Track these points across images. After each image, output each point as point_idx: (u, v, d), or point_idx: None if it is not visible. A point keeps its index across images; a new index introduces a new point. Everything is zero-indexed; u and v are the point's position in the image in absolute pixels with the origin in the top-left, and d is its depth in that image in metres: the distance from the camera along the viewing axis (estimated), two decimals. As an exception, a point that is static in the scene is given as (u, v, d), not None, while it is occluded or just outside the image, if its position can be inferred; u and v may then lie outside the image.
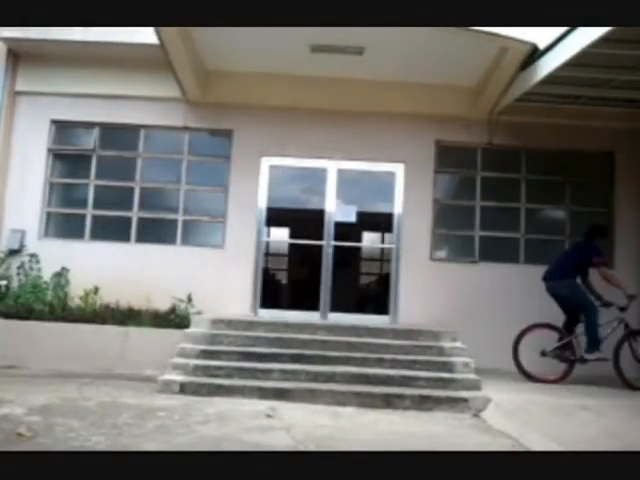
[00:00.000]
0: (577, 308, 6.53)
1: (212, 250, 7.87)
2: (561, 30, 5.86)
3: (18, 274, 7.57)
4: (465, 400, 5.27)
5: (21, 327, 6.72)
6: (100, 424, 4.07)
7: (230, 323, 6.36)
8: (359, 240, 10.68)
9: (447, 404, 5.26)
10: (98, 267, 7.60)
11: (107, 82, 7.86)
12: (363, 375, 5.62)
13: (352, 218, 7.94)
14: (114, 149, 8.16)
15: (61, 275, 7.55)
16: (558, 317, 7.21)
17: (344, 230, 8.13)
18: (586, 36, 5.46)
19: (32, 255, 7.65)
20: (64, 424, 4.00)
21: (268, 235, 8.69)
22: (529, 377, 6.48)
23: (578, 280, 6.63)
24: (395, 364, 5.88)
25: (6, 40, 7.66)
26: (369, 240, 11.24)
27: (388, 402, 5.26)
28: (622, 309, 6.48)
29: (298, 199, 8.73)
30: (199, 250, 7.89)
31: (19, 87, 8.02)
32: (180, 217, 8.01)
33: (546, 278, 6.72)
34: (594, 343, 6.32)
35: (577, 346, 6.50)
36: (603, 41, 5.33)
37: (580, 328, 6.56)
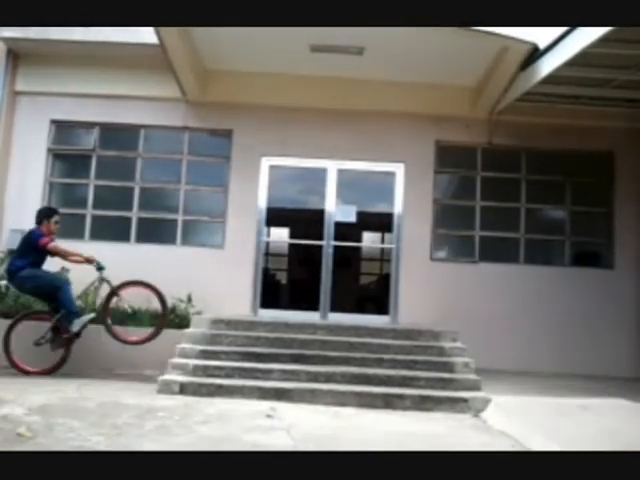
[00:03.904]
0: (49, 290, 6.13)
1: (212, 250, 7.88)
2: (561, 30, 5.86)
3: (18, 274, 7.55)
4: (465, 400, 5.27)
5: (21, 327, 6.69)
6: (100, 424, 4.06)
7: (230, 323, 6.36)
8: (359, 240, 10.67)
9: (447, 404, 5.26)
10: (98, 267, 7.59)
11: (107, 82, 7.87)
12: (363, 375, 5.62)
13: (352, 218, 7.94)
14: (114, 149, 8.16)
15: (61, 275, 7.52)
16: (554, 311, 7.25)
17: (344, 230, 8.13)
18: (586, 36, 5.47)
19: (32, 255, 7.64)
20: (64, 424, 4.00)
21: (268, 235, 8.69)
22: (23, 371, 6.12)
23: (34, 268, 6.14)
24: (395, 364, 5.88)
25: (6, 40, 7.67)
26: (369, 240, 11.24)
27: (388, 402, 5.26)
28: (100, 268, 6.24)
29: (298, 199, 8.74)
30: (199, 250, 7.89)
31: (19, 87, 8.03)
32: (180, 217, 8.01)
33: (8, 278, 6.22)
34: (73, 313, 6.08)
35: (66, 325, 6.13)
36: (603, 41, 5.33)
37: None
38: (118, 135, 8.21)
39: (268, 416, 4.62)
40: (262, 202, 7.97)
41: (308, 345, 6.04)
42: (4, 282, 7.40)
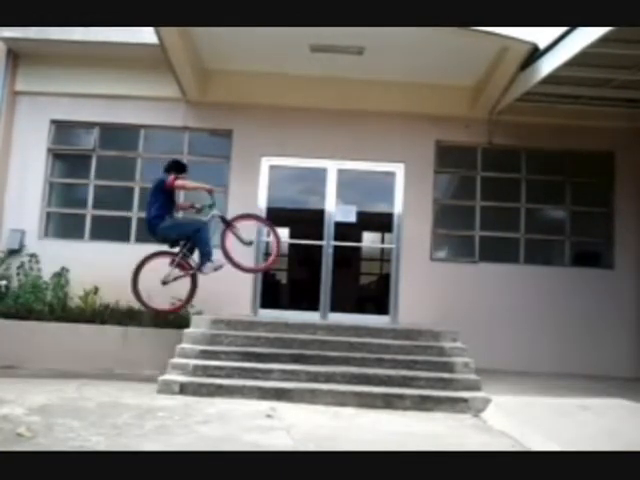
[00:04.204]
0: (191, 235, 6.18)
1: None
2: (561, 30, 5.86)
3: (18, 274, 7.57)
4: (465, 400, 5.27)
5: (21, 327, 6.72)
6: (100, 424, 4.07)
7: (230, 323, 6.36)
8: (359, 240, 10.67)
9: (447, 404, 5.26)
10: (98, 267, 7.59)
11: (107, 82, 7.87)
12: (363, 375, 5.62)
13: (352, 218, 7.94)
14: (114, 149, 8.16)
15: (61, 275, 7.55)
16: (554, 311, 7.24)
17: (344, 230, 8.13)
18: (586, 36, 5.47)
19: (32, 255, 7.65)
20: (64, 424, 4.00)
21: (268, 235, 8.67)
22: (150, 309, 6.30)
23: (169, 215, 6.18)
24: (395, 364, 5.88)
25: (6, 40, 7.67)
26: (369, 240, 11.24)
27: (388, 402, 5.26)
28: (211, 206, 6.21)
29: (298, 199, 8.73)
30: (199, 250, 7.87)
31: (19, 87, 8.02)
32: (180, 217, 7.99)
33: (149, 231, 6.19)
34: (207, 254, 6.10)
35: (191, 263, 6.22)
36: (603, 41, 5.33)
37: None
38: (118, 135, 8.20)
39: (268, 416, 4.62)
40: (262, 202, 7.97)
41: (308, 345, 6.04)
42: (4, 282, 7.43)
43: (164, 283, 6.15)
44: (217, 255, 6.14)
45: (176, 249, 6.24)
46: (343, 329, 6.37)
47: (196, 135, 8.17)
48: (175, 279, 6.16)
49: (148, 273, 6.12)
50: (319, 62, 7.32)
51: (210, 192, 6.15)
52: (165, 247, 6.27)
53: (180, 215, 6.53)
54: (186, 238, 6.22)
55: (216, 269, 6.12)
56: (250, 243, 6.29)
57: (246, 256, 6.63)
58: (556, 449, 3.66)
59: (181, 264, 6.19)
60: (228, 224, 6.22)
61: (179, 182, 6.11)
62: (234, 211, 7.83)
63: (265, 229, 7.11)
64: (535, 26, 5.70)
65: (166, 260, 6.20)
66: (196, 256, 6.19)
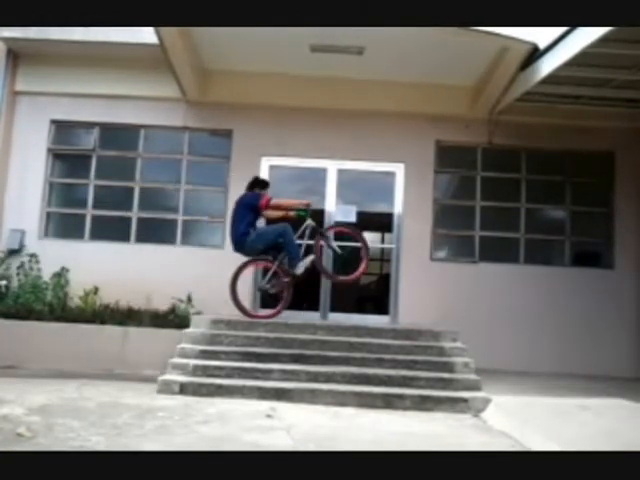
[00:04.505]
0: (275, 242, 6.41)
1: (212, 250, 7.88)
2: (561, 30, 5.86)
3: (18, 274, 7.57)
4: (465, 400, 5.27)
5: (21, 327, 6.72)
6: (100, 424, 4.06)
7: (230, 323, 6.36)
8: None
9: (447, 404, 5.26)
10: (98, 267, 7.61)
11: (107, 82, 7.87)
12: (363, 375, 5.62)
13: (352, 218, 7.93)
14: (114, 149, 8.17)
15: (61, 275, 7.55)
16: (554, 311, 7.24)
17: (344, 230, 8.10)
18: (586, 36, 5.47)
19: (32, 255, 7.66)
20: (64, 424, 4.00)
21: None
22: (248, 315, 6.45)
23: (253, 229, 6.45)
24: (395, 364, 5.87)
25: (6, 40, 7.67)
26: (369, 240, 11.20)
27: (388, 402, 5.26)
28: (304, 213, 6.49)
29: (298, 199, 8.69)
30: (199, 250, 7.89)
31: (19, 87, 8.03)
32: (180, 217, 8.01)
33: (236, 248, 6.52)
34: (295, 257, 6.34)
35: (285, 269, 6.45)
36: (603, 41, 5.34)
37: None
38: (118, 135, 8.21)
39: (268, 416, 4.62)
40: (262, 202, 7.96)
41: (308, 345, 6.04)
42: (4, 282, 7.43)
43: (260, 289, 6.50)
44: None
45: (265, 256, 6.51)
46: (343, 329, 6.37)
47: (196, 135, 8.17)
48: (272, 285, 6.51)
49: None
50: (319, 62, 7.32)
51: (307, 206, 6.49)
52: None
53: (261, 225, 6.66)
54: (272, 246, 6.46)
55: (307, 266, 6.37)
56: (341, 253, 6.54)
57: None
58: (556, 449, 3.66)
59: (277, 271, 6.48)
60: (321, 234, 6.49)
61: (274, 202, 6.39)
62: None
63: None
64: (535, 26, 5.71)
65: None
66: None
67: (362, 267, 6.49)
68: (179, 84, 7.49)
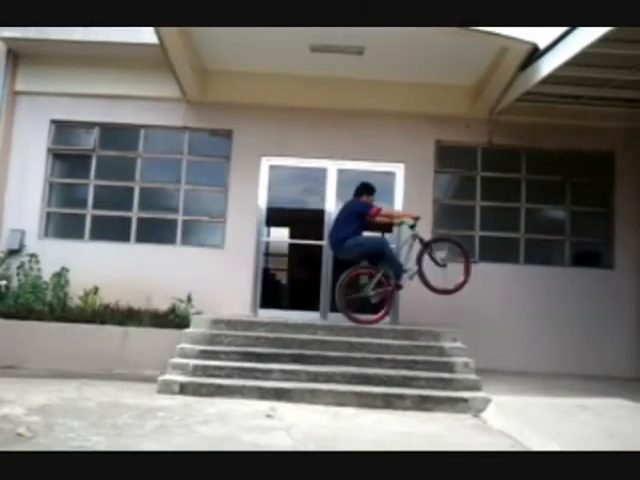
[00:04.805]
0: (374, 254, 6.63)
1: (212, 250, 7.88)
2: (561, 30, 5.86)
3: (18, 274, 7.57)
4: (465, 400, 5.27)
5: (21, 327, 6.72)
6: (100, 424, 4.07)
7: (230, 323, 6.36)
8: (359, 240, 10.65)
9: (447, 404, 5.26)
10: (98, 267, 7.60)
11: (107, 82, 7.87)
12: (363, 375, 5.62)
13: (352, 218, 7.92)
14: (114, 149, 8.16)
15: (61, 275, 7.55)
16: (554, 311, 7.23)
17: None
18: (586, 36, 5.47)
19: (32, 255, 7.65)
20: (64, 424, 4.00)
21: (268, 235, 8.68)
22: (356, 321, 6.56)
23: (353, 236, 6.62)
24: (395, 364, 5.88)
25: (6, 40, 7.67)
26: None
27: (388, 402, 5.26)
28: (412, 227, 6.69)
29: (298, 199, 8.72)
30: (199, 250, 7.89)
31: (19, 87, 8.03)
32: (180, 217, 8.01)
33: (333, 248, 6.82)
34: (398, 269, 6.59)
35: (389, 278, 6.61)
36: (603, 41, 5.33)
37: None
38: (118, 135, 8.20)
39: (268, 416, 4.62)
40: (262, 202, 7.97)
41: (308, 345, 6.04)
42: (4, 282, 7.43)
43: (363, 297, 6.62)
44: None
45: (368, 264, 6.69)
46: (343, 329, 6.38)
47: (196, 135, 8.17)
48: (376, 294, 6.62)
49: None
50: (319, 62, 7.32)
51: (416, 219, 6.65)
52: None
53: (362, 236, 6.77)
54: (365, 257, 6.66)
55: (411, 277, 6.61)
56: (444, 265, 6.62)
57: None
58: (556, 449, 3.66)
59: (381, 281, 6.60)
60: (426, 245, 6.64)
61: (385, 211, 6.71)
62: (234, 212, 7.87)
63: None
64: (535, 26, 5.70)
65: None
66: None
67: (463, 278, 6.62)
68: (179, 84, 7.48)
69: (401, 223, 6.89)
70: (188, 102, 7.96)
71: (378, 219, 6.75)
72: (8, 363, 6.43)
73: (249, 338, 6.12)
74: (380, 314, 6.61)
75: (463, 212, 8.08)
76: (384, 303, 6.64)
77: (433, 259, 6.64)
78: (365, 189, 6.83)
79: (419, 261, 6.60)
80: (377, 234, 6.69)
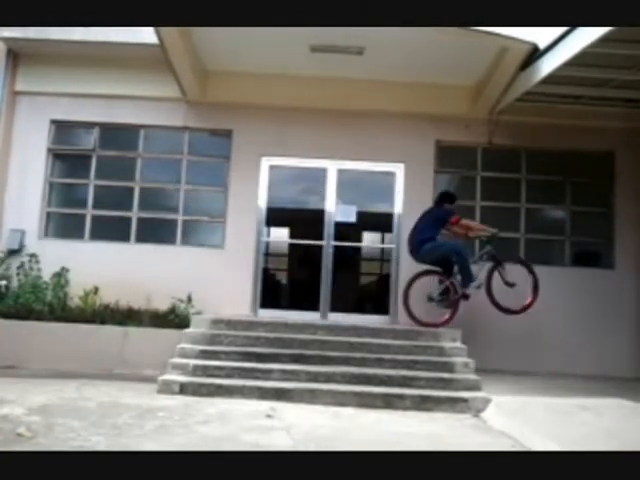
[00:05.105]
0: (449, 258, 6.83)
1: (212, 250, 7.88)
2: (561, 30, 5.86)
3: (18, 274, 7.56)
4: (465, 400, 5.27)
5: (21, 327, 6.72)
6: (100, 424, 4.07)
7: (230, 323, 6.36)
8: (359, 240, 10.66)
9: (447, 404, 5.26)
10: (98, 267, 7.60)
11: (107, 82, 7.87)
12: (363, 375, 5.62)
13: (352, 218, 7.94)
14: (114, 149, 8.16)
15: (61, 275, 7.55)
16: (554, 311, 7.21)
17: (344, 230, 8.12)
18: (586, 36, 5.46)
19: (32, 255, 7.65)
20: (64, 424, 4.00)
21: (268, 235, 8.68)
22: (419, 322, 6.73)
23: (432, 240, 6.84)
24: (395, 364, 5.88)
25: (6, 40, 7.67)
26: (369, 240, 11.23)
27: (388, 402, 5.26)
28: (487, 242, 6.89)
29: (298, 199, 8.72)
30: (199, 250, 7.89)
31: (19, 87, 8.02)
32: (180, 217, 8.01)
33: (411, 252, 6.96)
34: (468, 276, 6.70)
35: (457, 286, 6.81)
36: (603, 41, 5.33)
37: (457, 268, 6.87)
38: (118, 135, 8.20)
39: (268, 416, 4.62)
40: (262, 202, 7.97)
41: (308, 345, 6.04)
42: (4, 282, 7.43)
43: (430, 299, 6.78)
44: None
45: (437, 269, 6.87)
46: (343, 329, 6.38)
47: (196, 135, 8.17)
48: (443, 299, 6.81)
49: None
50: (319, 62, 7.32)
51: (494, 235, 6.82)
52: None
53: (439, 240, 6.91)
54: (443, 261, 6.76)
55: (478, 287, 6.72)
56: (513, 285, 6.70)
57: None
58: (556, 449, 3.66)
59: (448, 287, 6.80)
60: (498, 263, 6.77)
61: (464, 222, 6.85)
62: (234, 212, 7.87)
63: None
64: (535, 26, 5.70)
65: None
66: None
67: (531, 298, 6.76)
68: (179, 84, 7.48)
69: (477, 237, 7.03)
70: (188, 102, 7.96)
71: (455, 229, 6.90)
72: (8, 363, 6.43)
73: (249, 338, 6.12)
74: (445, 317, 6.75)
75: (463, 212, 8.05)
76: (450, 308, 6.80)
77: (503, 278, 6.77)
78: (447, 197, 7.07)
79: (489, 278, 6.79)
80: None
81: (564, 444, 3.73)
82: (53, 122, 8.11)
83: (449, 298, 6.80)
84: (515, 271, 6.86)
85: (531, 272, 6.82)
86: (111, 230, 8.00)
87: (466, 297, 6.78)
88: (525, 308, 6.73)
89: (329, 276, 7.83)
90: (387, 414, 5.01)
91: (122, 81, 7.85)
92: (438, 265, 6.94)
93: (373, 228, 10.50)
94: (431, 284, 6.98)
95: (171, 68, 7.07)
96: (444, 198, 7.10)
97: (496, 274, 6.80)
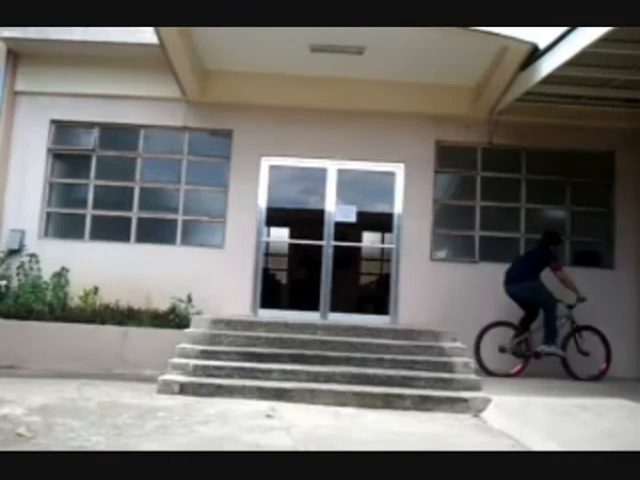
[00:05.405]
0: (537, 306, 6.91)
1: (212, 250, 7.87)
2: (561, 30, 5.85)
3: (18, 274, 7.56)
4: (465, 400, 5.27)
5: (21, 327, 6.72)
6: (100, 424, 4.07)
7: (230, 323, 6.36)
8: (359, 240, 10.68)
9: (447, 404, 5.26)
10: (98, 267, 7.60)
11: (107, 82, 7.86)
12: (363, 375, 5.62)
13: (352, 218, 7.93)
14: (114, 149, 8.16)
15: (61, 275, 7.54)
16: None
17: (344, 230, 8.13)
18: (586, 36, 5.46)
19: (32, 255, 7.65)
20: (64, 424, 4.00)
21: (268, 235, 8.69)
22: (489, 373, 6.72)
23: (530, 278, 6.94)
24: (395, 364, 5.88)
25: (6, 40, 7.66)
26: (369, 240, 11.24)
27: (388, 402, 5.26)
28: (570, 307, 6.95)
29: (298, 199, 8.73)
30: (199, 250, 7.89)
31: (19, 87, 8.02)
32: (180, 217, 8.01)
33: (507, 282, 7.00)
34: (552, 335, 6.74)
35: (532, 342, 6.89)
36: (603, 41, 5.33)
37: (535, 325, 6.97)
38: (118, 135, 8.20)
39: (268, 416, 4.62)
40: (262, 202, 7.97)
41: (308, 345, 6.04)
42: (4, 282, 7.42)
43: (501, 350, 6.85)
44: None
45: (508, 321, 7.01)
46: (343, 329, 6.38)
47: (196, 135, 8.17)
48: (514, 352, 6.90)
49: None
50: (319, 62, 7.32)
51: (581, 300, 6.88)
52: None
53: (540, 284, 6.96)
54: (530, 306, 6.92)
55: (555, 355, 6.76)
56: (587, 354, 6.85)
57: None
58: (556, 449, 3.66)
59: (521, 344, 6.92)
60: (576, 329, 6.91)
61: (562, 275, 6.89)
62: (234, 212, 7.87)
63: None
64: (535, 26, 5.70)
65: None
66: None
67: (604, 366, 7.00)
68: (179, 84, 7.48)
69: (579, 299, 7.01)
70: (188, 102, 7.96)
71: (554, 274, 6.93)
72: (8, 363, 6.43)
73: (249, 338, 6.12)
74: (517, 368, 6.89)
75: (463, 212, 8.08)
76: (521, 359, 6.93)
77: (578, 346, 6.90)
78: (554, 239, 7.13)
79: (566, 342, 6.91)
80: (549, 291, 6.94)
81: (564, 444, 3.73)
82: (53, 122, 8.11)
83: (521, 351, 6.91)
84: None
85: (604, 340, 7.00)
86: (111, 230, 7.99)
87: (538, 356, 6.82)
88: (601, 375, 6.93)
89: (329, 276, 7.83)
90: (387, 414, 5.01)
91: (122, 81, 7.85)
92: (524, 307, 7.01)
93: (373, 228, 10.52)
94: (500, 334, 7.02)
95: (171, 68, 7.06)
96: (550, 239, 7.12)
97: (572, 341, 6.92)
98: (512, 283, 6.94)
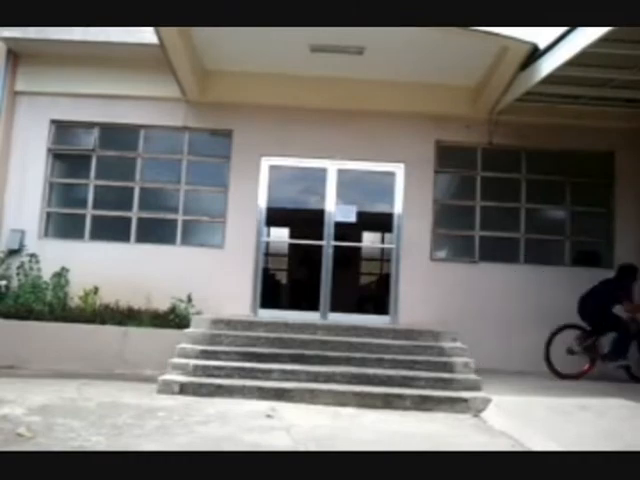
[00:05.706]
0: (609, 328, 6.93)
1: (212, 250, 7.87)
2: (561, 30, 5.86)
3: (18, 274, 7.56)
4: (465, 400, 5.27)
5: (21, 327, 6.72)
6: (100, 424, 4.07)
7: (230, 323, 6.36)
8: (359, 240, 10.68)
9: (447, 404, 5.26)
10: (98, 267, 7.60)
11: (107, 82, 7.86)
12: (363, 375, 5.62)
13: (352, 218, 7.93)
14: (114, 149, 8.16)
15: (61, 275, 7.54)
16: (554, 311, 7.21)
17: (344, 230, 8.12)
18: (586, 36, 5.46)
19: (32, 255, 7.65)
20: (64, 424, 4.00)
21: (268, 235, 8.69)
22: (561, 376, 6.83)
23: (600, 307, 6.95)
24: (395, 364, 5.88)
25: (6, 40, 7.67)
26: (369, 240, 11.24)
27: (388, 402, 5.26)
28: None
29: (298, 199, 8.73)
30: (199, 250, 7.89)
31: (19, 87, 8.02)
32: (180, 217, 8.01)
33: (580, 312, 6.99)
34: (620, 353, 6.77)
35: (601, 346, 6.93)
36: (603, 41, 5.33)
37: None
38: (118, 135, 8.20)
39: (268, 416, 4.62)
40: (262, 202, 7.97)
41: (308, 345, 6.04)
42: (4, 282, 7.42)
43: (569, 352, 6.90)
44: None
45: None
46: (343, 329, 6.38)
47: (196, 135, 8.17)
48: (580, 354, 6.93)
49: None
50: (319, 62, 7.32)
51: None
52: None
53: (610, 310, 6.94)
54: (598, 329, 6.93)
55: (620, 367, 6.79)
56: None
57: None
58: (556, 449, 3.66)
59: (589, 347, 6.94)
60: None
61: (630, 308, 6.85)
62: (234, 212, 7.87)
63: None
64: (535, 26, 5.70)
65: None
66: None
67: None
68: (179, 84, 7.48)
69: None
70: (188, 102, 7.96)
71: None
72: (8, 363, 6.44)
73: (249, 338, 6.12)
74: (585, 368, 6.92)
75: (463, 212, 8.08)
76: (588, 359, 6.96)
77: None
78: (630, 272, 7.07)
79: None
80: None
81: (564, 444, 3.73)
82: (53, 122, 8.11)
83: (590, 352, 6.94)
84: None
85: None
86: (111, 230, 7.99)
87: (603, 359, 6.87)
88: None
89: (329, 276, 7.83)
90: (387, 414, 5.01)
91: (122, 81, 7.85)
92: (594, 326, 6.98)
93: (373, 228, 10.52)
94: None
95: (171, 68, 7.07)
96: (627, 272, 7.09)
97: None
98: (582, 312, 6.95)
